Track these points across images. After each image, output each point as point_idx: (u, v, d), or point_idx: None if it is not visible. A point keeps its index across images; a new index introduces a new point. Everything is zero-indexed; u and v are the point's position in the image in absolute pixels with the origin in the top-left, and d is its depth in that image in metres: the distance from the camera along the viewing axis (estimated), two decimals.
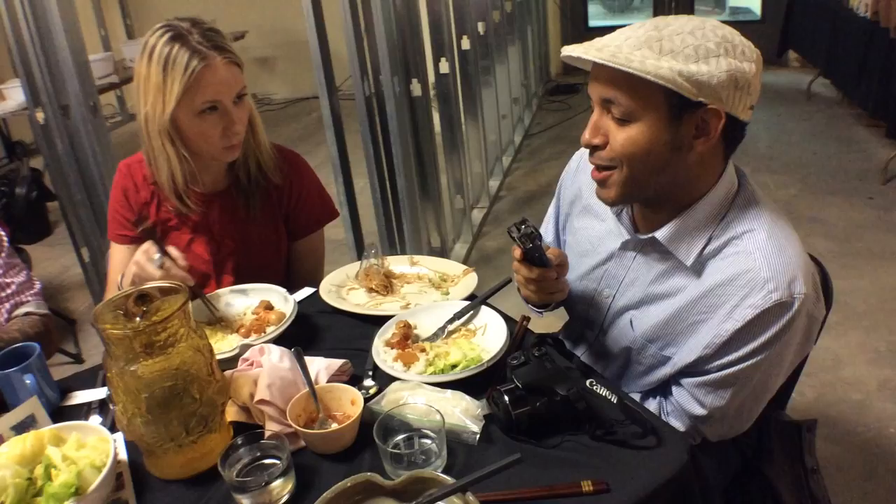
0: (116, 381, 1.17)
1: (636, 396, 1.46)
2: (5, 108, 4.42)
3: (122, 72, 5.39)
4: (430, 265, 1.83)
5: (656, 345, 1.40)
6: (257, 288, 1.73)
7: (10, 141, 6.05)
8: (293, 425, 1.23)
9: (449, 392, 1.29)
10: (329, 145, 2.88)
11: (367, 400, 1.30)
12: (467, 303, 1.59)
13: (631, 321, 1.44)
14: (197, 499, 1.20)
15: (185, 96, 1.61)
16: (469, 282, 1.72)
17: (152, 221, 1.83)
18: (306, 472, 1.21)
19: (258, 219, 1.86)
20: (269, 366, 1.33)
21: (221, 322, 1.66)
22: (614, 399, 1.24)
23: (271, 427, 1.25)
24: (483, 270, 2.62)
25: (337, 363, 1.41)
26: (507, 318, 1.54)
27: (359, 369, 1.45)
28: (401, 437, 1.23)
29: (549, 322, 1.74)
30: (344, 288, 1.77)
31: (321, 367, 1.39)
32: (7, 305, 1.77)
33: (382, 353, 1.45)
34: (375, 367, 1.44)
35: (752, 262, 1.25)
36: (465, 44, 4.04)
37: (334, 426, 1.25)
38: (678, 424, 1.37)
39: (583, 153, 1.60)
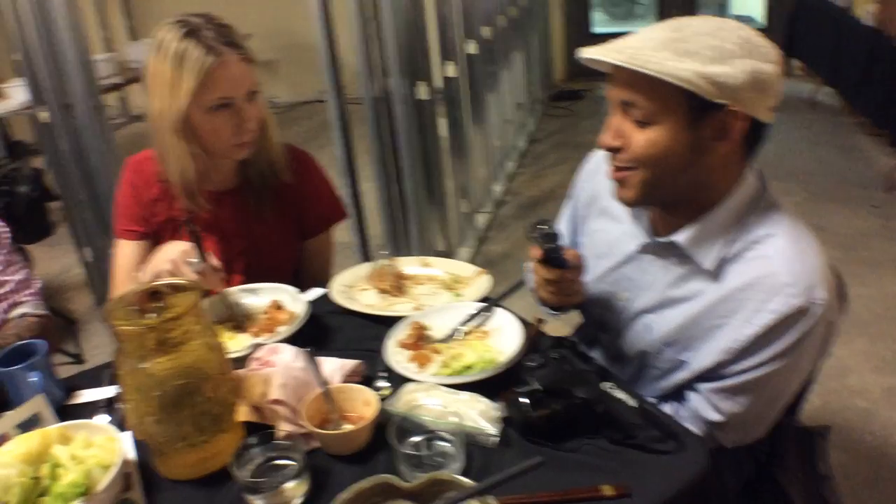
0: (128, 378, 1.15)
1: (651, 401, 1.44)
2: (7, 107, 4.40)
3: (125, 73, 5.39)
4: (441, 267, 1.81)
5: (673, 349, 1.38)
6: (267, 287, 1.71)
7: (10, 140, 6.03)
8: (307, 425, 1.21)
9: (465, 394, 1.27)
10: (336, 148, 2.87)
11: (380, 401, 1.27)
12: (480, 304, 1.57)
13: (648, 325, 1.42)
14: (207, 500, 1.18)
15: (198, 92, 1.59)
16: (481, 284, 1.70)
17: (164, 221, 1.81)
18: (320, 473, 1.18)
19: (269, 218, 1.84)
20: (283, 365, 1.31)
21: (243, 321, 1.64)
22: (632, 403, 1.23)
23: (284, 427, 1.23)
24: None
25: (350, 363, 1.39)
26: (521, 320, 1.52)
27: (371, 370, 1.43)
28: (416, 438, 1.21)
29: (557, 325, 1.73)
30: (355, 288, 1.75)
31: (335, 367, 1.37)
32: (3, 304, 1.74)
33: (396, 354, 1.43)
34: (388, 368, 1.42)
35: (773, 266, 1.23)
36: (472, 48, 4.03)
37: (348, 427, 1.23)
38: (693, 430, 1.35)
39: (598, 154, 1.59)
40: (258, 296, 1.70)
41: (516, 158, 5.39)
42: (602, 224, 1.55)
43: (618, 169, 1.30)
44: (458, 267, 1.81)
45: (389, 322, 1.55)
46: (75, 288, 4.10)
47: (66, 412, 1.43)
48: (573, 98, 6.83)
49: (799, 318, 1.21)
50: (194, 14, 1.65)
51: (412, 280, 1.76)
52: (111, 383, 1.51)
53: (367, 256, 3.09)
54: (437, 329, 1.52)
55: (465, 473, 1.14)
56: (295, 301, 1.65)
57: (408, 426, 1.21)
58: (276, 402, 1.25)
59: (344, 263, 2.07)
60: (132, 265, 1.77)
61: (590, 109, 6.55)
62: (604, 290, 1.52)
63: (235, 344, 1.51)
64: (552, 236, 1.28)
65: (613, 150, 1.29)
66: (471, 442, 1.20)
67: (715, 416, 1.33)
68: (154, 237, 1.85)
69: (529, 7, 5.79)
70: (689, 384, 1.38)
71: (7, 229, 1.81)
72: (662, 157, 1.23)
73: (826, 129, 5.56)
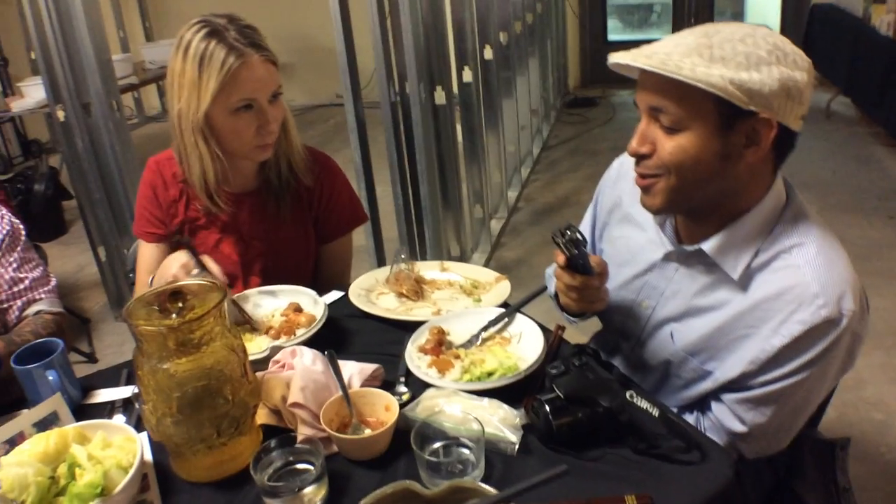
0: (147, 379, 1.14)
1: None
2: (24, 106, 4.42)
3: (140, 73, 5.40)
4: (461, 271, 1.80)
5: (698, 359, 1.36)
6: (286, 290, 1.70)
7: (25, 139, 6.06)
8: (327, 430, 1.20)
9: (486, 400, 1.26)
10: (353, 150, 2.86)
11: (400, 406, 1.26)
12: (501, 310, 1.55)
13: (672, 333, 1.41)
14: (225, 503, 1.17)
15: (221, 93, 1.59)
16: (501, 289, 1.69)
17: (180, 222, 1.81)
18: (339, 478, 1.17)
19: (288, 220, 1.83)
20: (302, 368, 1.30)
21: (251, 325, 1.63)
22: (655, 412, 1.22)
23: (304, 431, 1.22)
24: None
25: (370, 368, 1.38)
26: (541, 327, 1.51)
27: (390, 375, 1.42)
28: (437, 444, 1.20)
29: (572, 333, 1.71)
30: (373, 292, 1.74)
31: (354, 371, 1.36)
32: (19, 302, 1.74)
33: (416, 359, 1.42)
34: (408, 373, 1.41)
35: (802, 276, 1.22)
36: (488, 53, 4.02)
37: (368, 432, 1.22)
38: (716, 441, 1.34)
39: (622, 160, 1.58)
40: (277, 298, 1.69)
41: (530, 164, 5.38)
42: (625, 231, 1.54)
43: (644, 176, 1.29)
44: (478, 272, 1.80)
45: (408, 326, 1.54)
46: (88, 287, 4.11)
47: (83, 411, 1.42)
48: (587, 105, 6.82)
49: (827, 329, 1.20)
50: (217, 15, 1.65)
51: (431, 284, 1.75)
52: (128, 383, 1.51)
53: (381, 260, 3.08)
54: (457, 334, 1.51)
55: (485, 480, 1.13)
56: (314, 303, 1.64)
57: (428, 432, 1.19)
58: (296, 405, 1.24)
59: (358, 267, 2.07)
60: (152, 267, 1.77)
61: (604, 117, 6.53)
62: (626, 297, 1.50)
63: (254, 346, 1.51)
64: (578, 242, 1.27)
65: (641, 157, 1.27)
66: (491, 449, 1.19)
67: (738, 427, 1.32)
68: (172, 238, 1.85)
69: (545, 13, 5.78)
70: (713, 394, 1.37)
71: (22, 227, 1.81)
72: (691, 163, 1.22)
73: (841, 139, 5.52)
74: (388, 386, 1.38)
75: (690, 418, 1.40)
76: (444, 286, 1.75)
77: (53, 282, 1.82)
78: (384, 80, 2.85)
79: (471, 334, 1.50)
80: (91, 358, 3.38)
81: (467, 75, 3.68)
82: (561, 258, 1.32)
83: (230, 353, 1.16)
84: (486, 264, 3.92)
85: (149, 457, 1.27)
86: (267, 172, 1.80)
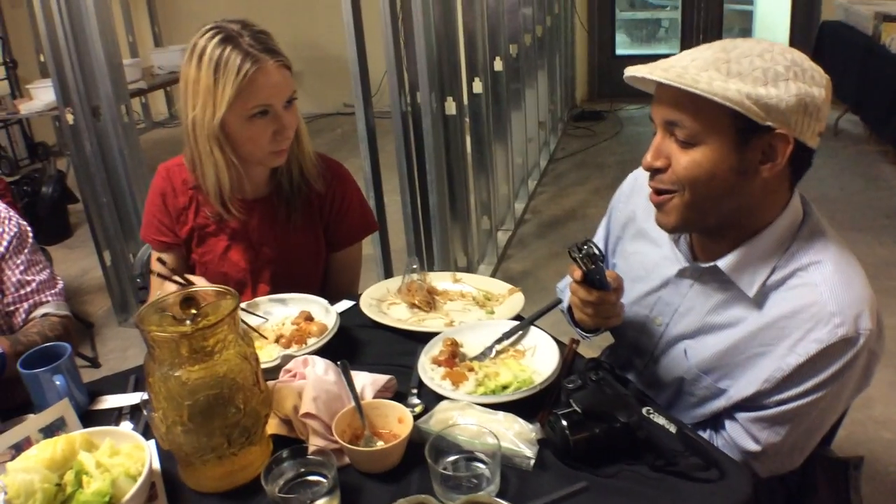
0: (158, 386, 1.12)
1: None
2: (32, 108, 4.41)
3: (149, 78, 5.41)
4: (473, 283, 1.79)
5: (712, 376, 1.35)
6: (297, 298, 1.69)
7: (32, 142, 6.07)
8: (339, 441, 1.18)
9: (501, 414, 1.24)
10: (363, 159, 2.85)
11: (413, 418, 1.24)
12: (514, 322, 1.54)
13: (685, 350, 1.39)
14: None
15: (237, 100, 1.58)
16: (515, 301, 1.67)
17: (189, 229, 1.80)
18: (350, 490, 1.15)
19: (299, 227, 1.82)
20: (315, 378, 1.28)
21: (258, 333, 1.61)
22: (672, 429, 1.20)
23: (315, 442, 1.20)
24: None
25: (382, 379, 1.36)
26: (556, 341, 1.49)
27: (402, 386, 1.40)
28: (451, 458, 1.18)
29: (582, 347, 1.70)
30: (385, 302, 1.72)
31: (366, 382, 1.34)
32: (25, 305, 1.72)
33: (429, 371, 1.40)
34: (420, 385, 1.39)
35: (819, 294, 1.20)
36: (498, 65, 4.02)
37: (380, 444, 1.20)
38: None
39: (637, 175, 1.56)
40: (287, 306, 1.68)
41: (537, 177, 5.37)
42: (639, 246, 1.52)
43: (659, 192, 1.27)
44: (491, 283, 1.78)
45: (420, 337, 1.53)
46: (92, 291, 4.10)
47: (89, 418, 1.41)
48: (595, 119, 6.81)
49: (844, 348, 1.18)
50: (230, 20, 1.64)
51: (443, 295, 1.74)
52: (136, 389, 1.49)
53: (388, 270, 3.07)
54: (471, 346, 1.49)
55: (500, 496, 1.12)
56: (325, 312, 1.62)
57: (443, 445, 1.18)
58: (308, 415, 1.22)
59: (366, 276, 2.05)
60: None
61: (611, 131, 6.53)
62: (639, 313, 1.49)
63: (265, 355, 1.49)
64: (595, 257, 1.25)
65: (656, 171, 1.26)
66: (506, 464, 1.17)
67: (752, 446, 1.30)
68: (182, 245, 1.84)
69: (555, 27, 5.78)
70: (727, 412, 1.35)
71: (30, 229, 1.79)
72: (706, 179, 1.21)
73: (850, 156, 5.51)
74: (400, 397, 1.36)
75: (703, 436, 1.38)
76: (456, 297, 1.74)
77: (60, 285, 1.81)
78: (395, 89, 2.84)
79: (484, 346, 1.49)
80: (94, 363, 3.37)
81: (477, 86, 3.68)
82: (577, 273, 1.30)
83: (243, 361, 1.15)
84: (493, 276, 3.88)
85: (157, 465, 1.25)
86: (279, 178, 1.79)
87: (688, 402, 1.42)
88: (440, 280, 1.80)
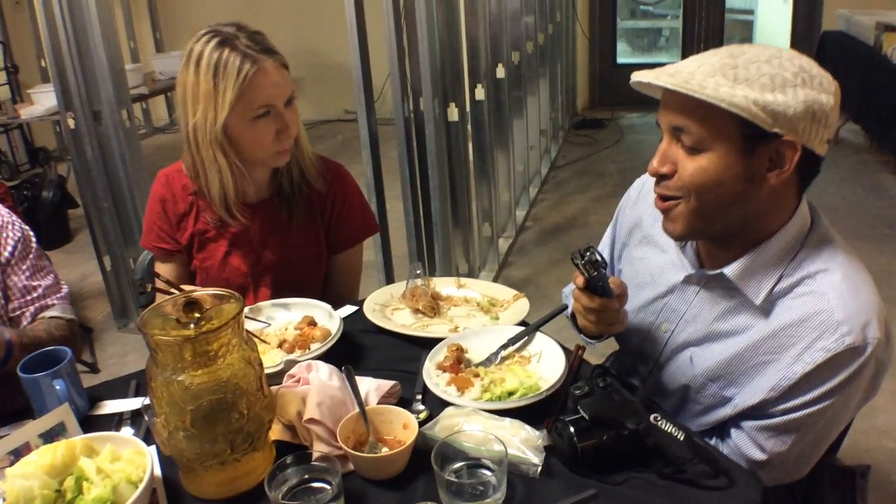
0: (161, 390, 1.11)
1: None
2: (33, 113, 4.41)
3: (150, 84, 5.41)
4: (478, 288, 1.77)
5: (717, 384, 1.33)
6: (299, 302, 1.68)
7: (33, 147, 6.06)
8: (343, 447, 1.16)
9: (507, 420, 1.23)
10: (365, 166, 2.84)
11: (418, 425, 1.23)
12: (519, 328, 1.52)
13: (691, 358, 1.38)
14: None
15: (239, 102, 1.57)
16: (519, 307, 1.66)
17: (190, 235, 1.79)
18: (355, 497, 1.14)
19: (300, 228, 1.81)
20: (319, 383, 1.27)
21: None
22: (681, 436, 1.18)
23: (319, 448, 1.19)
24: None
25: (387, 384, 1.34)
26: (561, 347, 1.48)
27: (406, 392, 1.39)
28: (457, 465, 1.16)
29: (587, 353, 1.69)
30: (388, 307, 1.71)
31: (371, 387, 1.32)
32: (31, 309, 1.71)
33: (434, 377, 1.39)
34: (425, 391, 1.37)
35: (826, 303, 1.19)
36: (500, 72, 4.02)
37: (385, 450, 1.19)
38: None
39: (643, 181, 1.55)
40: (290, 311, 1.67)
41: (538, 184, 5.37)
42: (644, 252, 1.51)
43: (665, 199, 1.26)
44: (495, 289, 1.77)
45: (424, 343, 1.52)
46: (92, 296, 4.08)
47: (89, 423, 1.39)
48: (595, 127, 6.81)
49: (851, 357, 1.17)
50: (224, 24, 1.63)
51: (447, 301, 1.72)
52: (137, 394, 1.47)
53: (390, 276, 3.05)
54: (476, 352, 1.48)
55: (506, 503, 1.10)
56: (328, 317, 1.61)
57: (448, 452, 1.16)
58: (312, 421, 1.21)
59: (367, 282, 2.04)
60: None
61: (612, 138, 6.52)
62: (644, 320, 1.48)
63: (268, 360, 1.47)
64: (598, 263, 1.24)
65: (662, 177, 1.25)
66: (513, 471, 1.16)
67: (758, 455, 1.28)
68: (182, 252, 1.83)
69: (557, 35, 5.79)
70: (732, 421, 1.33)
71: (32, 233, 1.78)
72: (713, 185, 1.20)
73: (851, 166, 5.51)
74: (405, 403, 1.35)
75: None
76: (460, 303, 1.72)
77: (65, 289, 1.80)
78: (398, 95, 2.83)
79: (489, 352, 1.47)
80: (93, 368, 3.35)
81: (480, 93, 3.67)
82: (580, 280, 1.29)
83: (247, 365, 1.13)
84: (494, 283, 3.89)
85: (158, 472, 1.23)
86: (279, 180, 1.78)
87: (693, 409, 1.40)
88: (444, 285, 1.79)
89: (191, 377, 1.09)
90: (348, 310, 1.72)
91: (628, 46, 8.47)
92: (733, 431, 1.33)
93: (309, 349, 1.49)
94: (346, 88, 2.75)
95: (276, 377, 1.37)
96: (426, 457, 1.14)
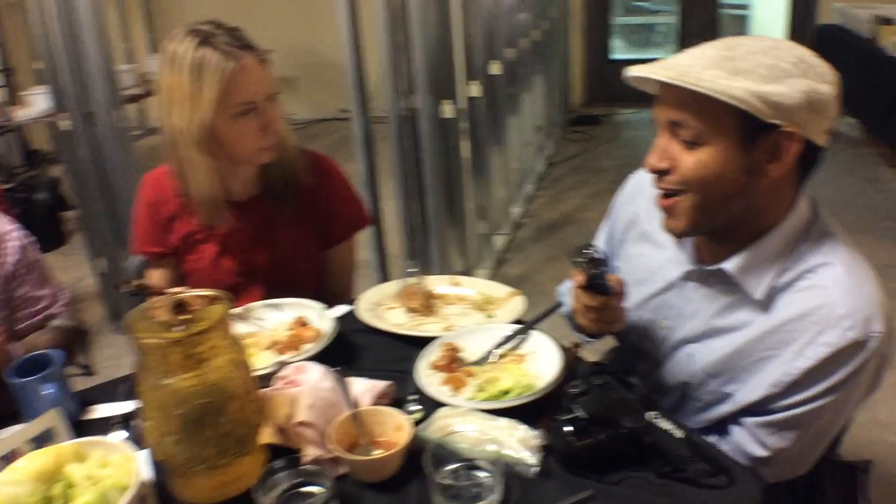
0: (148, 395, 1.09)
1: None
2: (27, 115, 4.39)
3: (144, 84, 5.40)
4: (473, 286, 1.76)
5: (718, 381, 1.32)
6: (291, 303, 1.66)
7: (27, 149, 6.04)
8: (336, 450, 1.15)
9: (502, 420, 1.21)
10: (359, 164, 2.83)
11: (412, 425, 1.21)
12: (514, 326, 1.51)
13: (690, 354, 1.36)
14: None
15: (221, 100, 1.55)
16: (515, 305, 1.64)
17: (180, 237, 1.77)
18: (348, 501, 1.12)
19: (291, 224, 1.79)
20: (310, 385, 1.25)
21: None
22: (679, 434, 1.18)
23: (311, 451, 1.17)
24: None
25: (381, 385, 1.32)
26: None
27: (400, 392, 1.37)
28: (452, 467, 1.14)
29: (588, 351, 1.67)
30: (382, 307, 1.69)
31: (364, 388, 1.31)
32: (36, 320, 1.71)
33: (428, 376, 1.37)
34: (419, 391, 1.36)
35: (828, 297, 1.18)
36: (495, 69, 4.00)
37: (378, 452, 1.17)
38: None
39: (638, 176, 1.54)
40: (282, 311, 1.65)
41: (534, 181, 5.36)
42: (642, 249, 1.49)
43: (666, 195, 1.25)
44: (491, 287, 1.75)
45: (418, 342, 1.50)
46: (86, 299, 4.06)
47: (80, 427, 1.37)
48: (591, 123, 6.81)
49: (854, 351, 1.16)
50: (202, 22, 1.61)
51: (442, 299, 1.70)
52: (128, 398, 1.45)
53: (385, 274, 3.04)
54: (471, 351, 1.46)
55: None
56: (321, 318, 1.59)
57: (443, 453, 1.14)
58: (303, 424, 1.19)
59: (362, 281, 2.02)
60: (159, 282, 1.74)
61: (607, 135, 6.52)
62: (643, 317, 1.46)
63: (259, 361, 1.45)
64: (598, 261, 1.23)
65: (660, 173, 1.24)
66: (508, 472, 1.14)
67: (759, 452, 1.27)
68: (173, 255, 1.81)
69: (551, 31, 5.78)
70: (733, 417, 1.32)
71: (34, 239, 1.76)
72: (712, 179, 1.18)
73: (848, 159, 5.50)
74: (400, 404, 1.33)
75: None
76: (455, 301, 1.70)
77: (67, 294, 1.79)
78: (392, 93, 2.82)
79: (484, 351, 1.46)
80: (88, 371, 3.32)
81: (475, 90, 3.65)
82: (581, 278, 1.27)
83: (235, 368, 1.12)
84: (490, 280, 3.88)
85: (148, 477, 1.21)
86: (267, 177, 1.76)
87: (693, 406, 1.39)
88: (439, 284, 1.77)
89: (179, 381, 1.07)
90: (341, 309, 1.70)
91: (623, 42, 8.46)
92: (734, 428, 1.32)
93: (301, 350, 1.47)
94: (340, 87, 2.74)
95: (266, 379, 1.34)
96: (420, 458, 1.12)
